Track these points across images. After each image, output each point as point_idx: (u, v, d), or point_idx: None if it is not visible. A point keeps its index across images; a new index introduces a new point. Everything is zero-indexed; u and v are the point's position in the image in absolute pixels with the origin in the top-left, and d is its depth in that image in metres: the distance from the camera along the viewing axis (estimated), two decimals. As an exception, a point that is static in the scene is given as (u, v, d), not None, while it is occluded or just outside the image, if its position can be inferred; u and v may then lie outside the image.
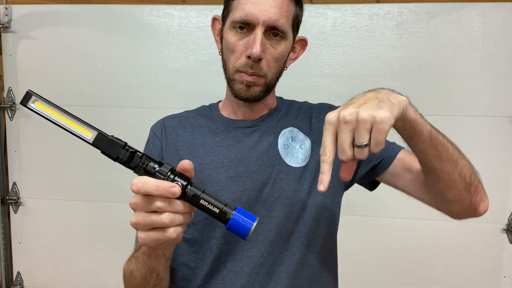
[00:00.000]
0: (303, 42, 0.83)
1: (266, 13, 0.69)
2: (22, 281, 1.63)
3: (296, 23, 0.77)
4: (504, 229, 1.41)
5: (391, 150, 0.78)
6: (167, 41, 1.45)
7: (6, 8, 1.47)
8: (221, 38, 0.78)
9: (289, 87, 1.47)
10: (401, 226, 1.42)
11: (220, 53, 0.79)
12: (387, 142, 0.75)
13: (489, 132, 1.38)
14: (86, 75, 1.48)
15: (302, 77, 1.40)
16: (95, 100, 1.49)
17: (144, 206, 0.50)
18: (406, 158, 0.77)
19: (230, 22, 0.73)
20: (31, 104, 0.51)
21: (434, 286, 1.45)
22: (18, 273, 1.63)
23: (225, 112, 0.84)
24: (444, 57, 1.37)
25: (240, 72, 0.73)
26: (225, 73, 0.78)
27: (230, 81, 0.76)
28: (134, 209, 0.52)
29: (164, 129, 0.84)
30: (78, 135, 0.51)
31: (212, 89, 1.43)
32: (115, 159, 0.51)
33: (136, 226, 0.52)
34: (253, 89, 0.74)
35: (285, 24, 0.72)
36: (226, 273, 0.75)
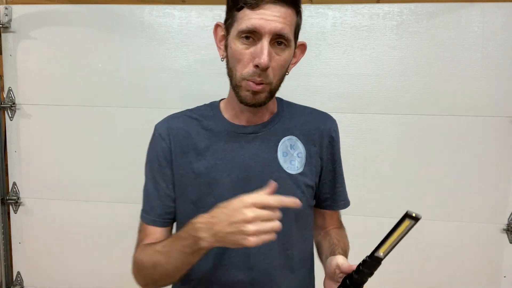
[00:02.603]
0: (303, 47, 0.86)
1: (272, 23, 0.72)
2: (22, 281, 1.63)
3: (297, 32, 0.80)
4: (504, 229, 1.41)
5: (337, 204, 0.92)
6: (167, 41, 1.45)
7: (6, 8, 1.47)
8: (225, 46, 0.80)
9: (289, 87, 1.46)
10: (401, 226, 1.43)
11: (222, 59, 0.82)
12: (344, 193, 0.93)
13: (489, 132, 1.38)
14: (86, 75, 1.48)
15: (302, 77, 1.40)
16: (95, 100, 1.49)
17: None
18: (328, 217, 0.94)
19: (237, 32, 0.75)
20: None
21: (433, 286, 1.45)
22: (18, 273, 1.63)
23: (228, 114, 0.86)
24: (444, 57, 1.37)
25: (247, 80, 0.76)
26: (231, 80, 0.80)
27: (236, 88, 0.78)
28: None
29: (171, 131, 0.85)
30: None
31: (212, 89, 1.43)
32: None
33: None
34: (259, 96, 0.77)
35: (289, 33, 0.75)
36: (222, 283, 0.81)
